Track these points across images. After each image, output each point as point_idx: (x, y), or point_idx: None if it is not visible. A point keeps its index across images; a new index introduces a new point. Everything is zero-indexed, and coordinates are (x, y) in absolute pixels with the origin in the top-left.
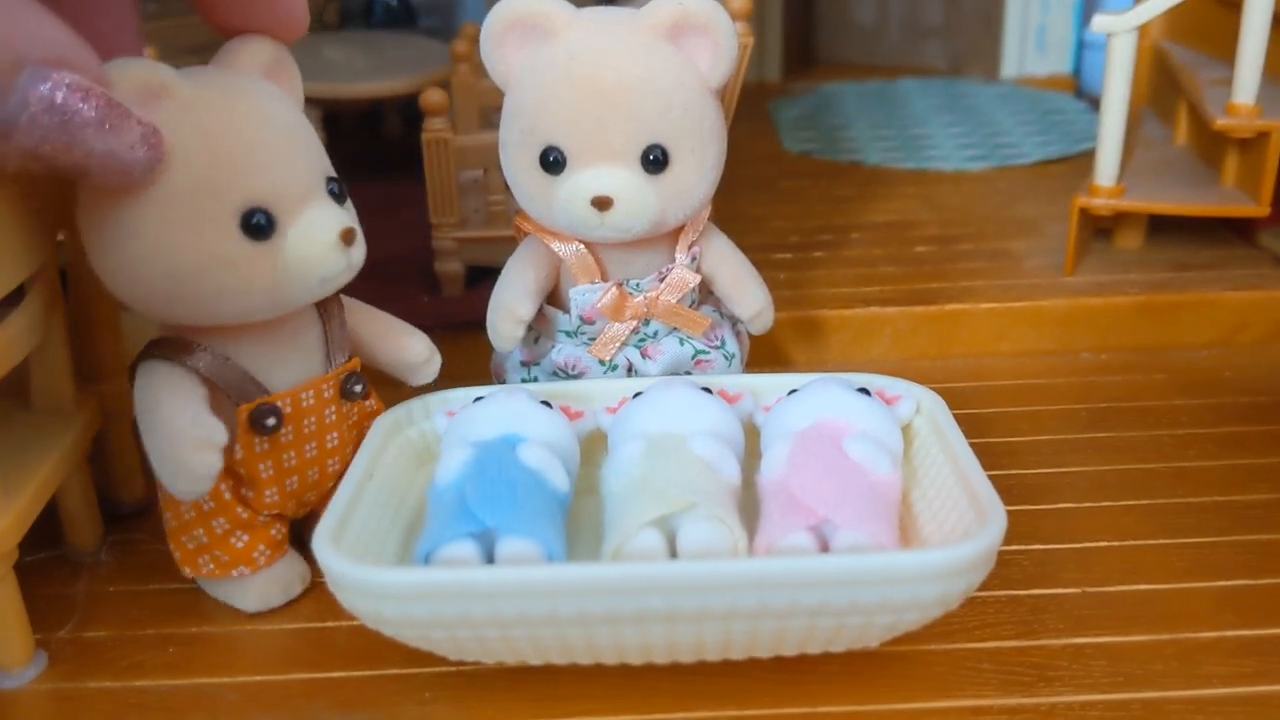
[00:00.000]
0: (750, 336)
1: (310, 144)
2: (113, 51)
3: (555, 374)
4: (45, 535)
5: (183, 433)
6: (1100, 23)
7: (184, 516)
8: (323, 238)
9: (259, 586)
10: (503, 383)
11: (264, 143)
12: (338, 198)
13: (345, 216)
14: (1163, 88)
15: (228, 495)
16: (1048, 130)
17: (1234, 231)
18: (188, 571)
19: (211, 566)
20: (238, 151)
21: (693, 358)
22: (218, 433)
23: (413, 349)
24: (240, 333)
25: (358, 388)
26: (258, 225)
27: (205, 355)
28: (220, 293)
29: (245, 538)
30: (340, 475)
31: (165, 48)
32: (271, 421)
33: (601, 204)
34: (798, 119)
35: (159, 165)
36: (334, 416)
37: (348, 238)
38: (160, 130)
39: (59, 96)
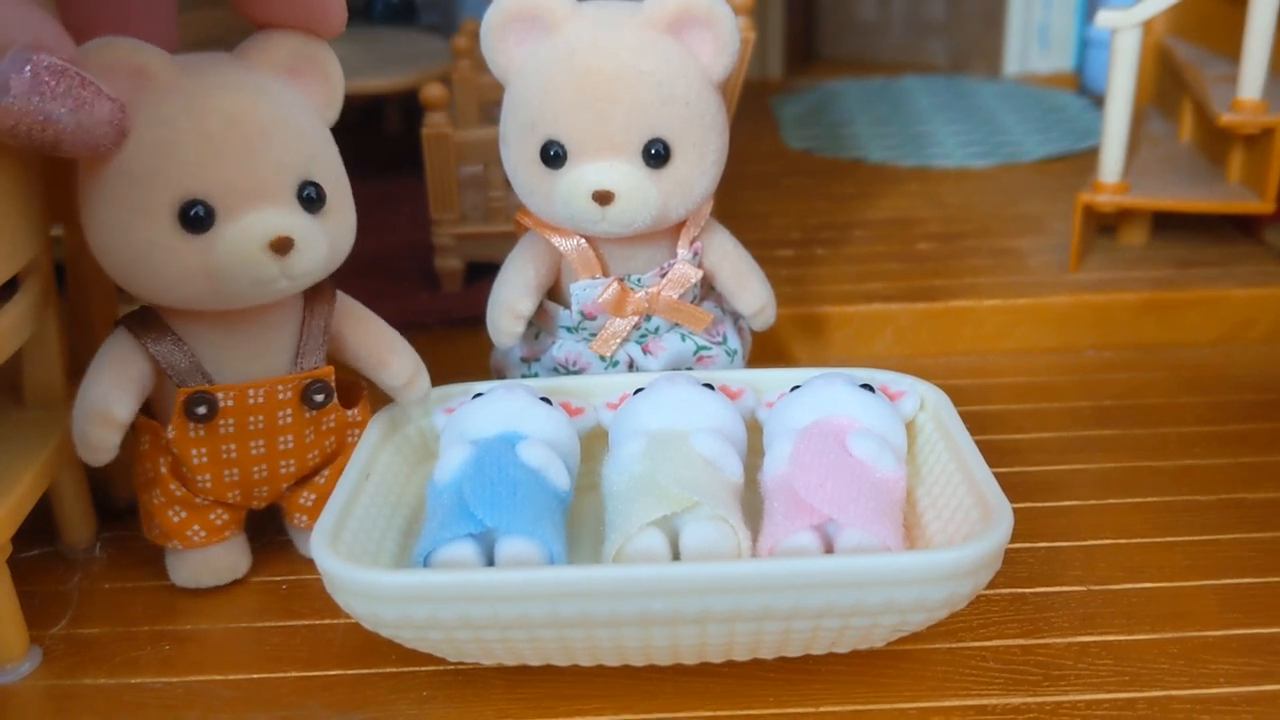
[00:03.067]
0: (752, 333)
1: (289, 146)
2: (144, 36)
3: (556, 370)
4: (39, 532)
5: (89, 403)
6: (1105, 18)
7: (138, 481)
8: (252, 242)
9: (189, 564)
10: (503, 379)
11: (223, 138)
12: (310, 204)
13: (289, 224)
14: (1166, 84)
15: (164, 470)
16: (1050, 127)
17: (1239, 228)
18: (144, 531)
19: (156, 533)
20: (191, 142)
21: (694, 353)
22: (119, 411)
23: (394, 369)
24: (205, 318)
25: (319, 397)
26: (194, 217)
27: (161, 334)
28: (158, 277)
29: (182, 514)
30: (297, 478)
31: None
32: (202, 410)
33: (603, 198)
34: (800, 116)
35: (124, 140)
36: (290, 419)
37: (279, 246)
38: (126, 108)
39: (39, 79)
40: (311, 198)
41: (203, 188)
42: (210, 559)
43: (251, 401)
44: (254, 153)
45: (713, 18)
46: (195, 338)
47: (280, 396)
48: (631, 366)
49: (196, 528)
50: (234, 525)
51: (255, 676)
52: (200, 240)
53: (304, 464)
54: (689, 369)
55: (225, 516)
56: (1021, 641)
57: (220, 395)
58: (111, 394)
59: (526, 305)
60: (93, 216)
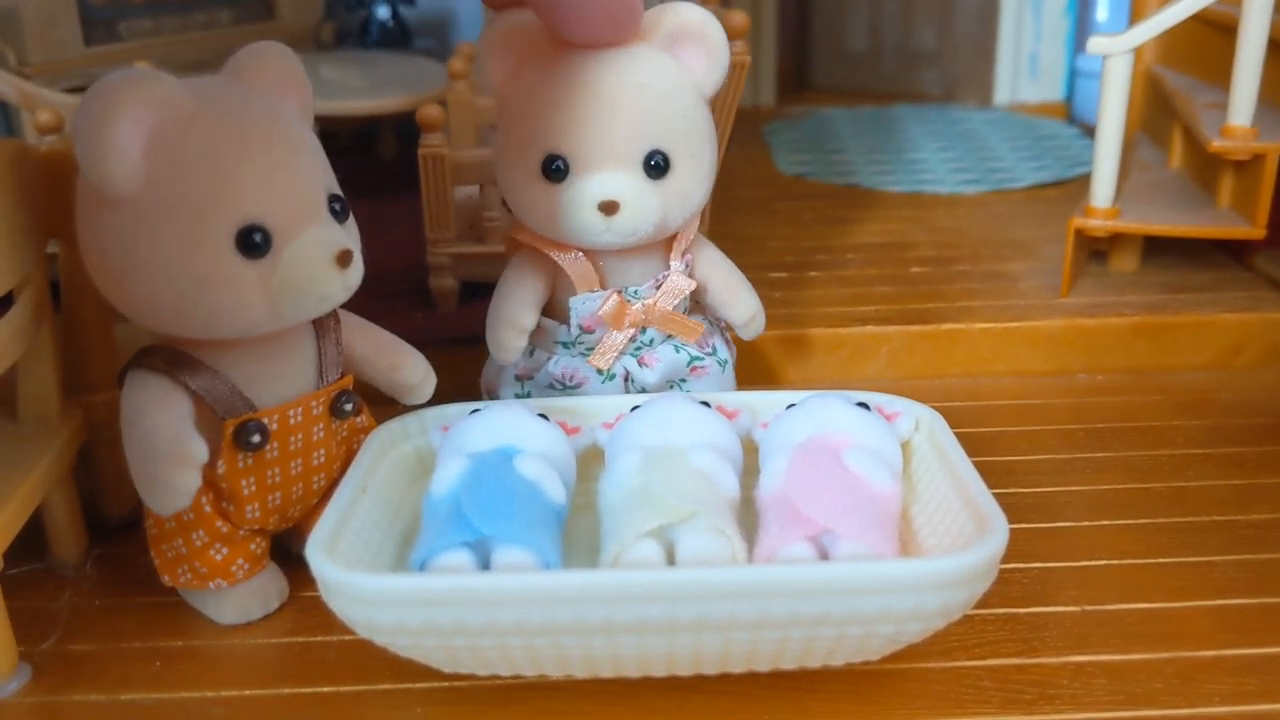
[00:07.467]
0: (740, 349)
1: (315, 161)
2: None
3: (552, 385)
4: (30, 548)
5: (163, 449)
6: (1096, 44)
7: (165, 525)
8: (318, 259)
9: (237, 599)
10: (495, 398)
11: (266, 161)
12: (339, 216)
13: (343, 237)
14: (1156, 113)
15: (208, 509)
16: (1041, 155)
17: (1229, 254)
18: (166, 579)
19: (189, 576)
20: (239, 169)
21: (688, 364)
22: (198, 450)
23: (408, 368)
24: (233, 346)
25: (348, 405)
26: (253, 243)
27: (195, 368)
28: (216, 308)
29: (224, 551)
30: (326, 492)
31: (163, 64)
32: (257, 439)
33: (609, 208)
34: (792, 142)
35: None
36: (322, 433)
37: (343, 259)
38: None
39: None
40: (338, 210)
41: (257, 212)
42: (256, 589)
43: (292, 421)
44: (293, 172)
45: (705, 34)
46: (229, 368)
47: (314, 411)
48: (628, 379)
49: (240, 561)
50: (268, 550)
51: (247, 693)
52: (260, 264)
53: (330, 476)
54: (683, 380)
55: (263, 544)
56: (1017, 661)
57: (267, 420)
58: (178, 435)
59: (529, 319)
60: (121, 259)
